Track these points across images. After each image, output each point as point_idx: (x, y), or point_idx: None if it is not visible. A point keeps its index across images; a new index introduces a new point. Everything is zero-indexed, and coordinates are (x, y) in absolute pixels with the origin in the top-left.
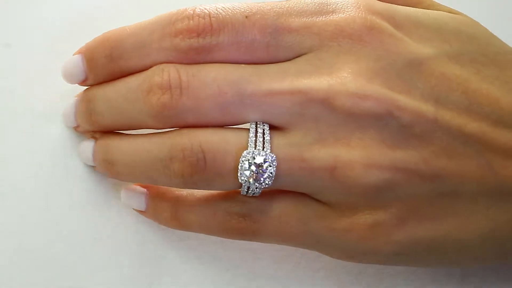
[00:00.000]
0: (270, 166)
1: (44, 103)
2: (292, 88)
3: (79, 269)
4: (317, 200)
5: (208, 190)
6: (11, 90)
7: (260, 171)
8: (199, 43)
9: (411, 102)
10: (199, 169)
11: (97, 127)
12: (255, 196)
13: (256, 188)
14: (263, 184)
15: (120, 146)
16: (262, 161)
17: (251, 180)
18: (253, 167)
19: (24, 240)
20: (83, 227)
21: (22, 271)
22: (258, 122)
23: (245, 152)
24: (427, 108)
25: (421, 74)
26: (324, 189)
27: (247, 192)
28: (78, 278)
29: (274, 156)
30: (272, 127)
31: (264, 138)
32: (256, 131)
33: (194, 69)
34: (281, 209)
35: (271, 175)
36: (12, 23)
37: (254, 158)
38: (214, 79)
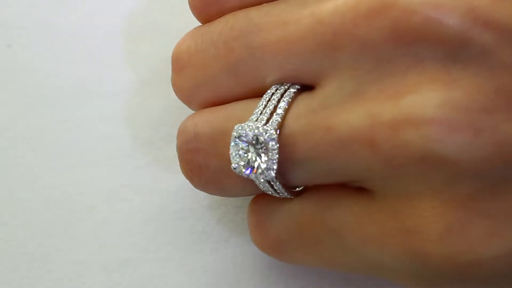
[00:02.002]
0: (270, 144)
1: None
2: (314, 20)
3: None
4: (362, 193)
5: (222, 194)
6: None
7: (255, 153)
8: None
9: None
10: (193, 160)
11: None
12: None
13: (262, 180)
14: (264, 174)
15: None
16: (250, 138)
17: (241, 167)
18: (241, 150)
19: None
20: None
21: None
22: (279, 84)
23: (236, 126)
24: None
25: None
26: (368, 173)
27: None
28: None
29: (273, 130)
30: (306, 88)
31: (277, 105)
32: (271, 97)
33: (204, 28)
34: (306, 205)
35: (272, 158)
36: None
37: (240, 136)
38: (220, 34)
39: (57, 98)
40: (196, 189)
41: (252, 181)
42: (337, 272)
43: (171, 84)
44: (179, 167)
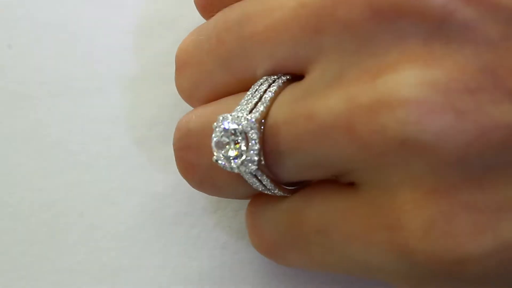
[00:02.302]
0: (249, 133)
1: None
2: (297, 4)
3: None
4: (350, 188)
5: (219, 194)
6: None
7: (235, 144)
8: None
9: None
10: (186, 158)
11: None
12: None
13: (248, 174)
14: (245, 166)
15: None
16: (230, 128)
17: (222, 159)
18: (221, 142)
19: None
20: None
21: None
22: (268, 76)
23: (218, 117)
24: None
25: None
26: (351, 164)
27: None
28: None
29: (252, 119)
30: (298, 78)
31: (263, 95)
32: (258, 88)
33: (204, 25)
34: (294, 204)
35: (252, 149)
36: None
37: (220, 127)
38: (214, 27)
39: (41, 95)
40: (191, 192)
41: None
42: (340, 279)
43: (162, 81)
44: (173, 168)
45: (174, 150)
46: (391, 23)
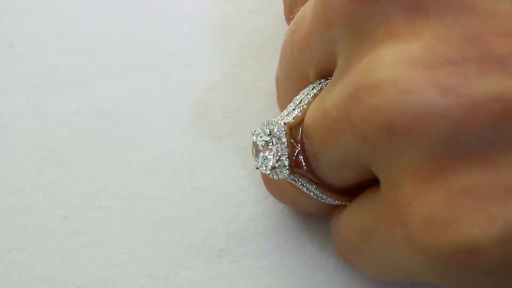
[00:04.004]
0: (278, 136)
1: None
2: (312, 5)
3: None
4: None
5: (295, 207)
6: None
7: (269, 148)
8: None
9: None
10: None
11: None
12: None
13: (282, 177)
14: (277, 170)
15: None
16: (265, 132)
17: (259, 163)
18: (259, 146)
19: None
20: None
21: None
22: (318, 81)
23: (263, 122)
24: None
25: None
26: (363, 159)
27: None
28: None
29: (281, 122)
30: None
31: (301, 99)
32: (303, 93)
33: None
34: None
35: (283, 153)
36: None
37: (258, 132)
38: (291, 23)
39: (19, 87)
40: (184, 194)
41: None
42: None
43: (150, 73)
44: (163, 168)
45: None
46: (371, 3)
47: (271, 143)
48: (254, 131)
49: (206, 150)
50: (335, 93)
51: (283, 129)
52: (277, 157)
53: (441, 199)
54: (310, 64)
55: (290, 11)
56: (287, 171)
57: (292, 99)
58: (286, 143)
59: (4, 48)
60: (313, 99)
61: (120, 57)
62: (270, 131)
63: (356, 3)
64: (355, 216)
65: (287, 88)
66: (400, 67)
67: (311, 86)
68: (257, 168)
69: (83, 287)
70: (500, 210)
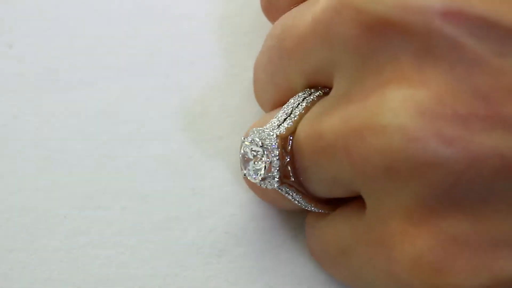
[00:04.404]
0: (270, 148)
1: None
2: (313, 20)
3: None
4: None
5: (276, 205)
6: None
7: (259, 159)
8: None
9: None
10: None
11: None
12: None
13: (281, 189)
14: (268, 181)
15: None
16: (255, 142)
17: (248, 172)
18: (249, 151)
19: None
20: None
21: None
22: (306, 90)
23: (252, 130)
24: None
25: None
26: (355, 185)
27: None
28: None
29: (274, 134)
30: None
31: (293, 110)
32: (292, 102)
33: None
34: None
35: (274, 166)
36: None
37: (248, 141)
38: (266, 40)
39: (19, 88)
40: (184, 194)
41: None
42: None
43: (150, 74)
44: (163, 168)
45: None
46: (383, 39)
47: (262, 155)
48: (244, 139)
49: (206, 150)
50: (334, 119)
51: (275, 142)
52: (268, 169)
53: (430, 243)
54: (300, 75)
55: (267, 2)
56: (276, 182)
57: (275, 104)
58: (278, 156)
59: (4, 48)
60: (305, 112)
61: (120, 57)
62: (262, 143)
63: (368, 36)
64: (337, 229)
65: (270, 92)
66: (408, 114)
67: (301, 96)
68: (244, 175)
69: (83, 287)
70: (486, 262)
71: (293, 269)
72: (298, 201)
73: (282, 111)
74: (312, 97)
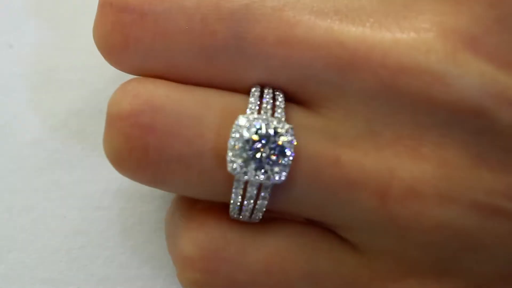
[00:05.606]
0: (287, 146)
1: None
2: (330, 38)
3: None
4: (343, 239)
5: (167, 190)
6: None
7: (271, 151)
8: None
9: None
10: (140, 138)
11: None
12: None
13: (258, 189)
14: (274, 177)
15: None
16: (272, 132)
17: (240, 167)
18: (245, 146)
19: None
20: None
21: None
22: (266, 87)
23: (241, 116)
24: None
25: None
26: (365, 225)
27: (240, 205)
28: None
29: (291, 131)
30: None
31: (275, 103)
32: (261, 95)
33: None
34: (279, 242)
35: (286, 160)
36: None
37: (249, 128)
38: (198, 6)
39: (18, 87)
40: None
41: (217, 183)
42: None
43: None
44: None
45: (120, 122)
46: (432, 112)
47: (271, 151)
48: (239, 127)
49: None
50: (368, 160)
51: (292, 139)
52: (278, 173)
53: None
54: (267, 73)
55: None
56: (284, 177)
57: (186, 69)
58: (292, 157)
59: (4, 48)
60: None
61: None
62: (275, 133)
63: (419, 104)
64: (302, 252)
65: (185, 58)
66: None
67: (260, 89)
68: (234, 170)
69: (83, 287)
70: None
71: None
72: (255, 203)
73: (254, 104)
74: (282, 98)
